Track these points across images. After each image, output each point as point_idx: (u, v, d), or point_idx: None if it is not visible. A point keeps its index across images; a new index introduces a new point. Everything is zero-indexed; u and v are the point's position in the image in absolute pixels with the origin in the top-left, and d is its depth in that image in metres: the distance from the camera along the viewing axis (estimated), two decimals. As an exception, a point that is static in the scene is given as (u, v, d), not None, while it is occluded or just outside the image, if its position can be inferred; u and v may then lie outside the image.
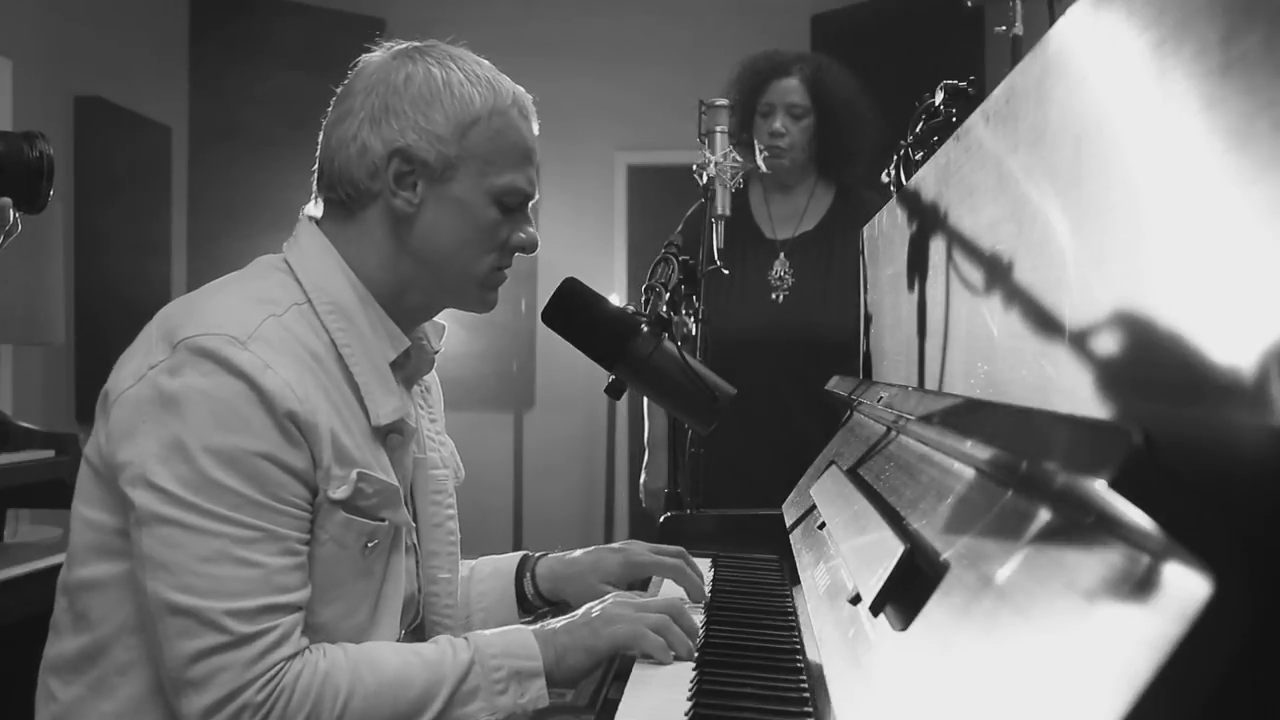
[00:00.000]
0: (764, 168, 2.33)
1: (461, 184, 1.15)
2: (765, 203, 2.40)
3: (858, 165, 2.40)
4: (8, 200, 1.13)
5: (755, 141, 2.34)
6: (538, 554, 1.43)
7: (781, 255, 2.36)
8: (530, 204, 1.22)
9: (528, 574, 1.40)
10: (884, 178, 1.65)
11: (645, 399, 2.44)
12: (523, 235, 1.21)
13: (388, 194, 1.15)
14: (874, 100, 2.41)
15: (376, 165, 1.14)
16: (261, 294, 1.12)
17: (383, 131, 1.14)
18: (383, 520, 1.13)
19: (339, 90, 1.19)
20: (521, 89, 1.22)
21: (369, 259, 1.17)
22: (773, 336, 2.29)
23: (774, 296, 2.33)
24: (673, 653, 1.16)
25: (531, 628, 1.18)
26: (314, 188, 1.21)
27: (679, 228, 2.40)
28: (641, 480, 2.51)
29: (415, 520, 1.25)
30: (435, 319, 1.29)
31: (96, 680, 1.08)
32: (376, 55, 1.20)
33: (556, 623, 1.19)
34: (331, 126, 1.18)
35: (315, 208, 1.21)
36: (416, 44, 1.20)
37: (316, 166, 1.20)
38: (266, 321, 1.07)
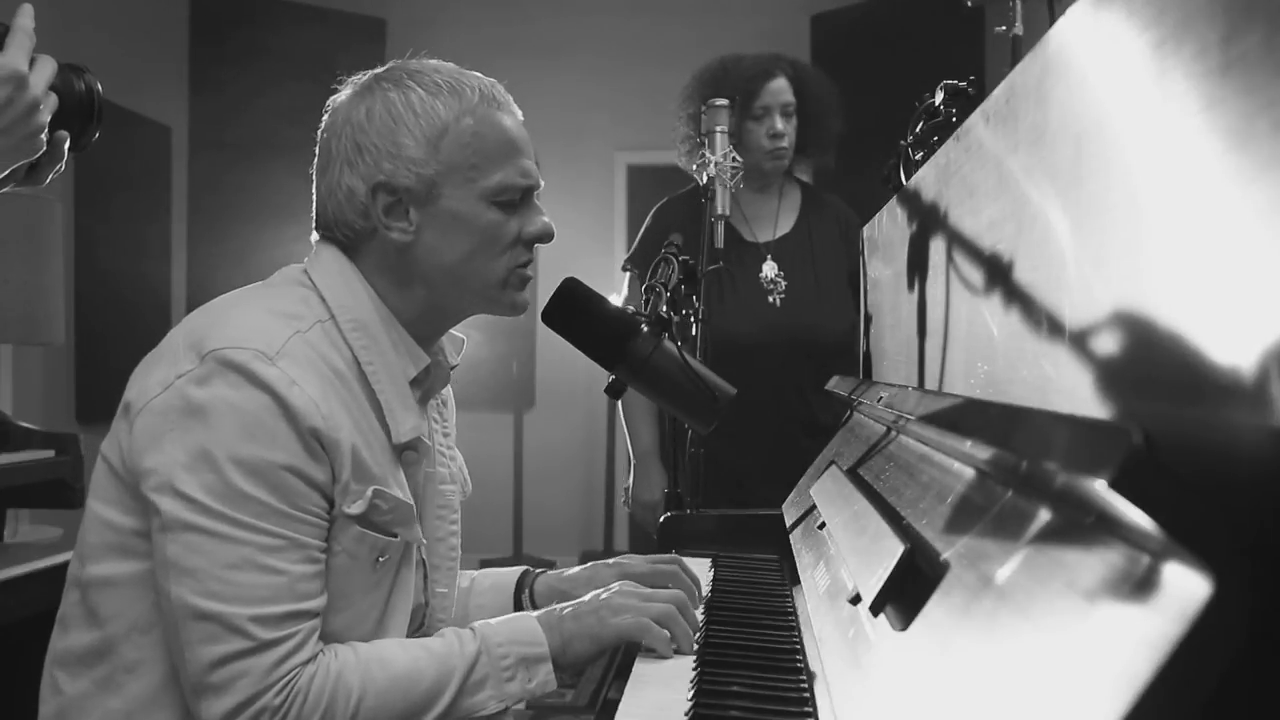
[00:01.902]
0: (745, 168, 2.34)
1: (451, 198, 1.16)
2: (738, 204, 2.38)
3: (830, 155, 2.45)
4: (64, 133, 1.08)
5: (748, 144, 2.34)
6: (537, 570, 1.44)
7: (769, 258, 2.35)
8: (536, 193, 1.21)
9: (526, 590, 1.41)
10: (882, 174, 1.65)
11: (623, 413, 2.43)
12: (533, 227, 1.20)
13: (382, 229, 1.16)
14: (842, 93, 2.46)
15: (364, 205, 1.15)
16: (286, 309, 1.12)
17: (360, 171, 1.15)
18: (395, 536, 1.14)
19: (318, 137, 1.20)
20: (490, 80, 1.21)
21: (387, 294, 1.18)
22: (774, 338, 2.29)
23: (770, 300, 2.33)
24: (674, 646, 1.17)
25: (536, 613, 1.20)
26: (314, 230, 1.21)
27: (646, 222, 2.42)
28: (629, 492, 2.44)
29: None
30: (454, 332, 1.30)
31: (104, 676, 1.09)
32: (341, 96, 1.21)
33: (564, 609, 1.20)
34: (318, 176, 1.20)
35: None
36: (376, 71, 1.20)
37: (314, 212, 1.21)
38: (293, 338, 1.09)
